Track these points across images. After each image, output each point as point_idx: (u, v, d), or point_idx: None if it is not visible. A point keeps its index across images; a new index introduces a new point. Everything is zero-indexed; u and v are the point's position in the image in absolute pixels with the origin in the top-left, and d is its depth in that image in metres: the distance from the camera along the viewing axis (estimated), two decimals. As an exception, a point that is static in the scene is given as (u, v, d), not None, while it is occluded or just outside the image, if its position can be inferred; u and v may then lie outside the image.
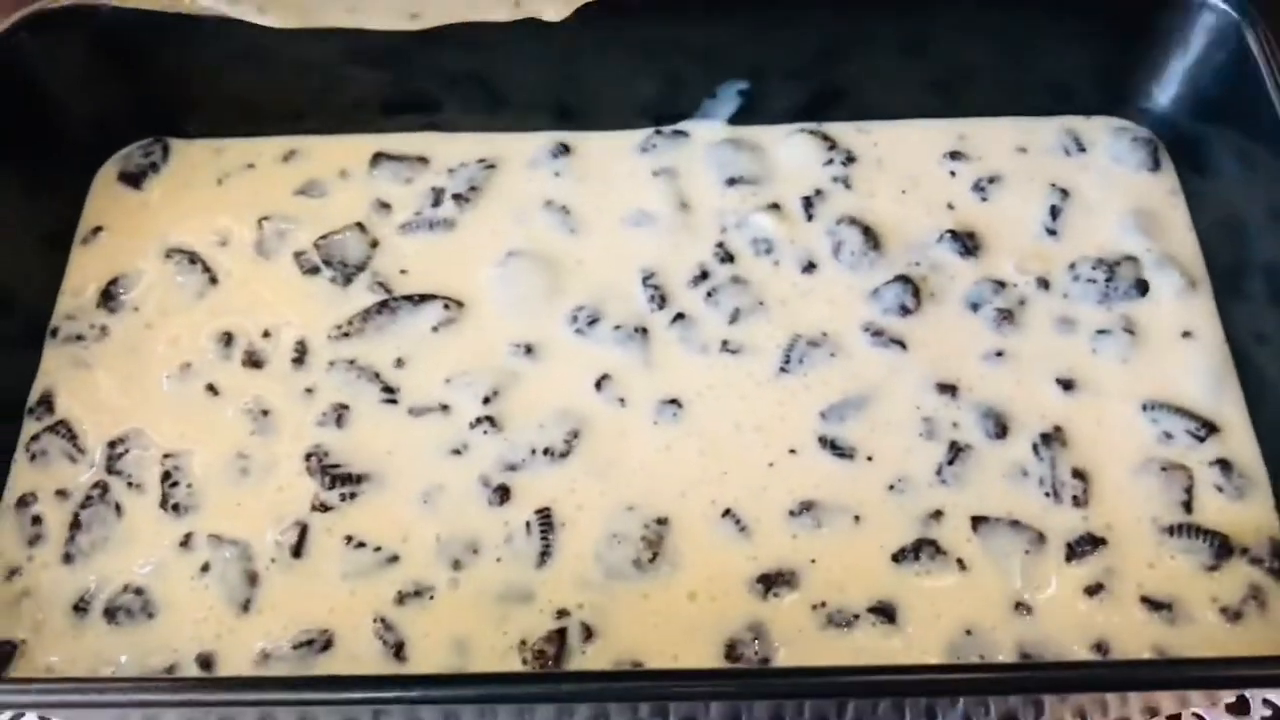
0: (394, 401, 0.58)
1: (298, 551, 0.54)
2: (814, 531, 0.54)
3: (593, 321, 0.60)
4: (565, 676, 0.49)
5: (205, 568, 0.54)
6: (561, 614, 0.52)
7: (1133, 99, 0.67)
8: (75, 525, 0.55)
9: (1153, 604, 0.52)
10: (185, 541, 0.54)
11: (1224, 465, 0.55)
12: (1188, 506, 0.54)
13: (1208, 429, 0.56)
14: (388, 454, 0.56)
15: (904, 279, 0.61)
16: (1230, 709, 0.58)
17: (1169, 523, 0.54)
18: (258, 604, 0.53)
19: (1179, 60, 0.64)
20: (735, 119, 0.67)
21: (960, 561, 0.53)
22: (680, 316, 0.60)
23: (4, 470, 0.57)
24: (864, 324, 0.60)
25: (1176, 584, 0.53)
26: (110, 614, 0.53)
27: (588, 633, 0.52)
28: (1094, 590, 0.52)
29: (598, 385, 0.58)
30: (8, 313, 0.61)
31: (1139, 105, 0.67)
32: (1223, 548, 0.53)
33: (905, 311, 0.60)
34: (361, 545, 0.54)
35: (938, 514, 0.54)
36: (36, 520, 0.55)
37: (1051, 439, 0.56)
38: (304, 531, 0.54)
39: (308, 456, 0.56)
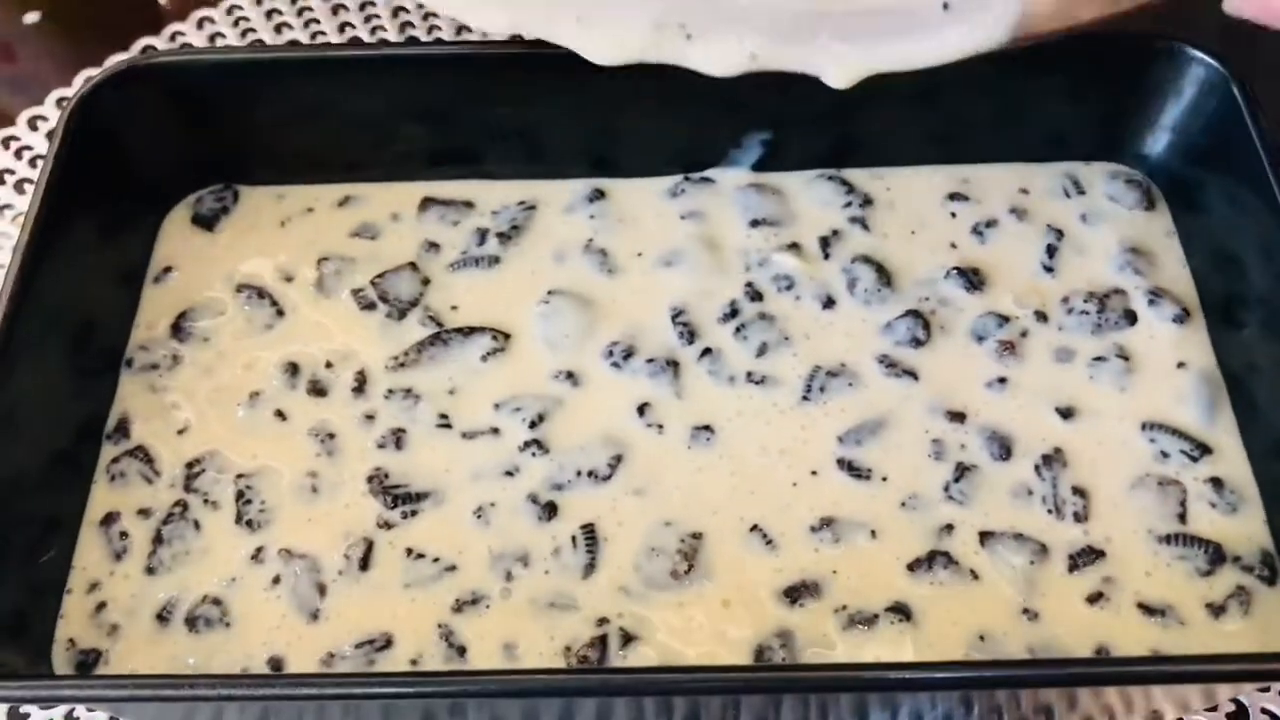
0: (448, 426, 0.63)
1: (365, 565, 0.58)
2: (834, 545, 0.59)
3: (628, 355, 0.65)
4: (607, 671, 0.54)
5: (277, 580, 0.58)
6: (603, 621, 0.57)
7: (1129, 146, 0.71)
8: (158, 540, 0.59)
9: (1150, 609, 0.56)
10: (258, 555, 0.59)
11: (1216, 483, 0.60)
12: (1182, 519, 0.59)
13: (1201, 450, 0.61)
14: (445, 473, 0.61)
15: (914, 313, 0.66)
16: (1230, 717, 0.63)
17: (1164, 533, 0.58)
18: (326, 613, 0.57)
19: (1172, 109, 0.69)
20: (758, 166, 0.72)
21: (972, 572, 0.57)
22: (708, 350, 0.65)
23: (85, 491, 0.61)
24: (878, 355, 0.65)
25: (1172, 590, 0.57)
26: (191, 623, 0.57)
27: (627, 638, 0.56)
28: (1095, 598, 0.57)
29: (639, 412, 0.63)
30: (85, 345, 0.65)
31: (1135, 151, 0.71)
32: (1215, 556, 0.57)
33: (916, 343, 0.65)
34: (421, 556, 0.59)
35: (949, 528, 0.59)
36: (122, 536, 0.60)
37: (1053, 460, 0.61)
38: (369, 546, 0.59)
39: (370, 479, 0.61)
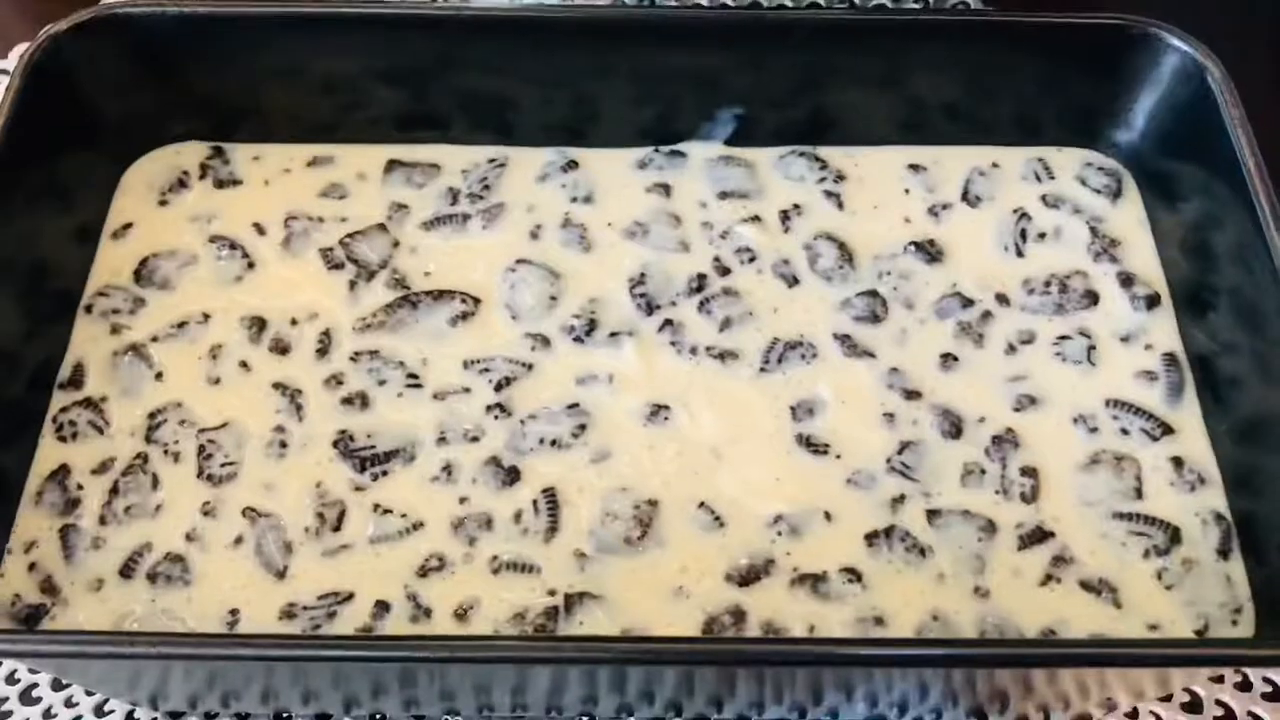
0: (417, 386, 0.62)
1: (338, 526, 0.58)
2: (791, 519, 0.58)
3: (591, 325, 0.64)
4: (563, 640, 0.53)
5: (239, 539, 0.57)
6: (563, 587, 0.56)
7: (1102, 133, 0.71)
8: (114, 492, 0.59)
9: (1100, 588, 0.56)
10: (219, 513, 0.58)
11: (1177, 462, 0.60)
12: (1139, 494, 0.59)
13: (1163, 429, 0.61)
14: (411, 433, 0.61)
15: (873, 292, 0.66)
16: (1185, 708, 0.63)
17: (1119, 510, 0.58)
18: (293, 571, 0.57)
19: (1147, 97, 0.69)
20: (731, 141, 0.72)
21: (922, 550, 0.57)
22: (669, 322, 0.65)
23: (34, 442, 0.61)
24: (836, 331, 0.64)
25: (1126, 569, 0.57)
26: (151, 579, 0.56)
27: (585, 603, 0.56)
28: (1048, 577, 0.57)
29: (596, 380, 0.62)
30: (39, 293, 0.64)
31: (1108, 139, 0.71)
32: (1172, 536, 0.57)
33: (875, 319, 0.65)
34: (388, 513, 0.58)
35: (900, 501, 0.59)
36: (73, 488, 0.59)
37: (1003, 440, 0.61)
38: (343, 511, 0.58)
39: (335, 442, 0.60)
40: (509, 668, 0.51)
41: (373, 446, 0.60)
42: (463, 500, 0.59)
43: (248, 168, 0.71)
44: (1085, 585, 0.57)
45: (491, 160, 0.71)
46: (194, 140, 0.72)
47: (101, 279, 0.66)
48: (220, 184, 0.70)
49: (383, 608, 0.56)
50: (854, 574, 0.57)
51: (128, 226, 0.68)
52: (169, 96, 0.70)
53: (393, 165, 0.71)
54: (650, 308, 0.65)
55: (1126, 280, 0.66)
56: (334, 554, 0.57)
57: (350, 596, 0.56)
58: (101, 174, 0.70)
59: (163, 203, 0.69)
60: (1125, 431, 0.61)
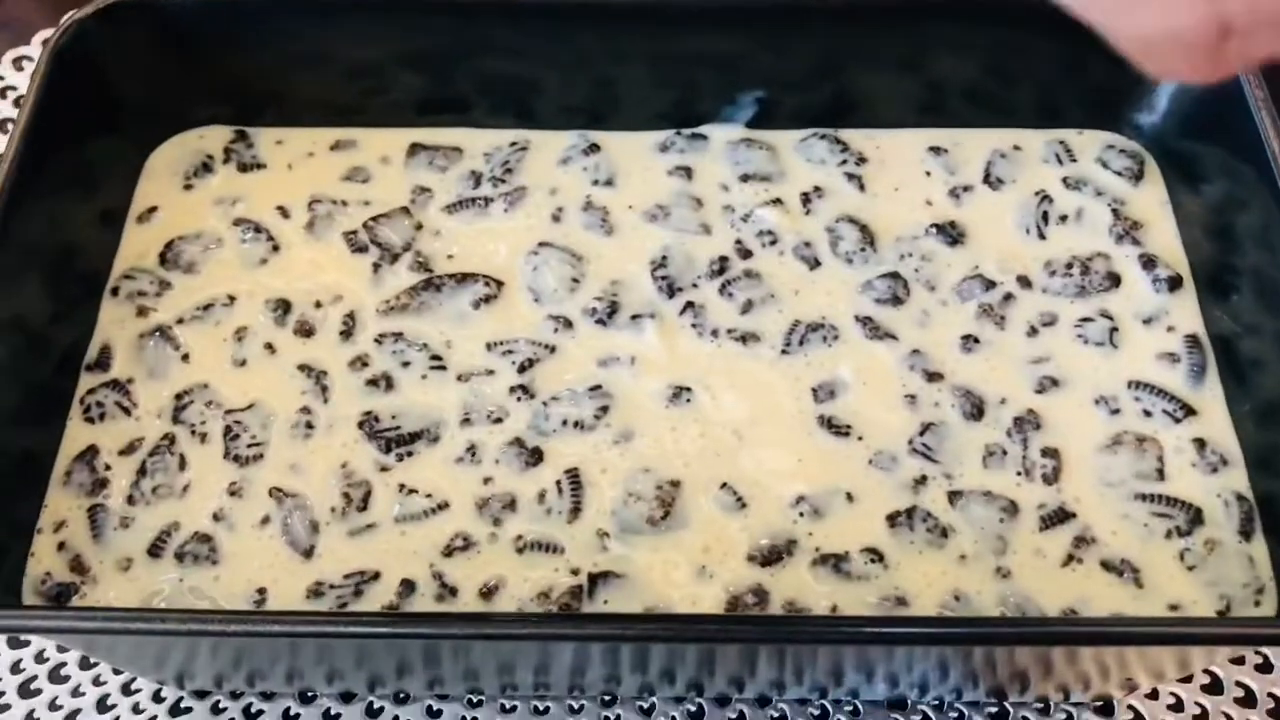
0: (441, 368, 0.63)
1: (364, 506, 0.58)
2: (813, 500, 0.59)
3: (613, 307, 0.65)
4: (586, 618, 0.54)
5: (267, 519, 0.58)
6: (587, 567, 0.57)
7: (1123, 115, 0.71)
8: (141, 473, 0.59)
9: (1121, 568, 0.56)
10: (246, 493, 0.59)
11: (1199, 443, 0.60)
12: (1161, 476, 0.59)
13: (1186, 410, 0.61)
14: (434, 417, 0.61)
15: (894, 274, 0.66)
16: (1205, 689, 0.63)
17: (1141, 491, 0.58)
18: (319, 551, 0.57)
19: (1169, 80, 0.69)
20: (753, 124, 0.72)
21: (944, 530, 0.57)
22: (691, 304, 0.65)
23: (62, 424, 0.61)
24: (857, 313, 0.65)
25: (1147, 549, 0.57)
26: (179, 558, 0.57)
27: (609, 582, 0.56)
28: (1070, 558, 0.57)
29: (619, 362, 0.63)
30: (65, 276, 0.64)
31: (1130, 121, 0.71)
32: (1194, 517, 0.58)
33: (897, 301, 0.65)
34: (414, 492, 0.59)
35: (922, 482, 0.59)
36: (101, 469, 0.60)
37: (1025, 421, 0.61)
38: (368, 491, 0.59)
39: (360, 423, 0.61)
40: (532, 645, 0.52)
41: (398, 427, 0.61)
42: (487, 480, 0.59)
43: (271, 151, 0.71)
44: (1107, 566, 0.57)
45: (513, 143, 0.71)
46: (217, 125, 0.72)
47: (127, 262, 0.67)
48: (244, 168, 0.71)
49: (408, 587, 0.56)
50: (876, 554, 0.57)
51: (152, 210, 0.69)
52: (192, 81, 0.71)
53: (415, 149, 0.71)
54: (672, 290, 0.65)
55: (1148, 262, 0.66)
56: (360, 534, 0.58)
57: (376, 576, 0.56)
58: (126, 158, 0.71)
59: (187, 187, 0.70)
60: (1147, 413, 0.61)
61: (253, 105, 0.72)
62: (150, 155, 0.71)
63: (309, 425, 0.61)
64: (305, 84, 0.72)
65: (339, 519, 0.58)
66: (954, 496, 0.59)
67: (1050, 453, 0.60)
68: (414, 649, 0.53)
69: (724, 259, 0.67)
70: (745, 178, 0.70)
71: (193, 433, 0.60)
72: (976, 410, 0.61)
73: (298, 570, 0.57)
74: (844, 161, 0.71)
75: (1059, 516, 0.58)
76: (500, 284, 0.66)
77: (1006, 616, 0.55)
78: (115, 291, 0.66)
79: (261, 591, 0.56)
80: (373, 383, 0.62)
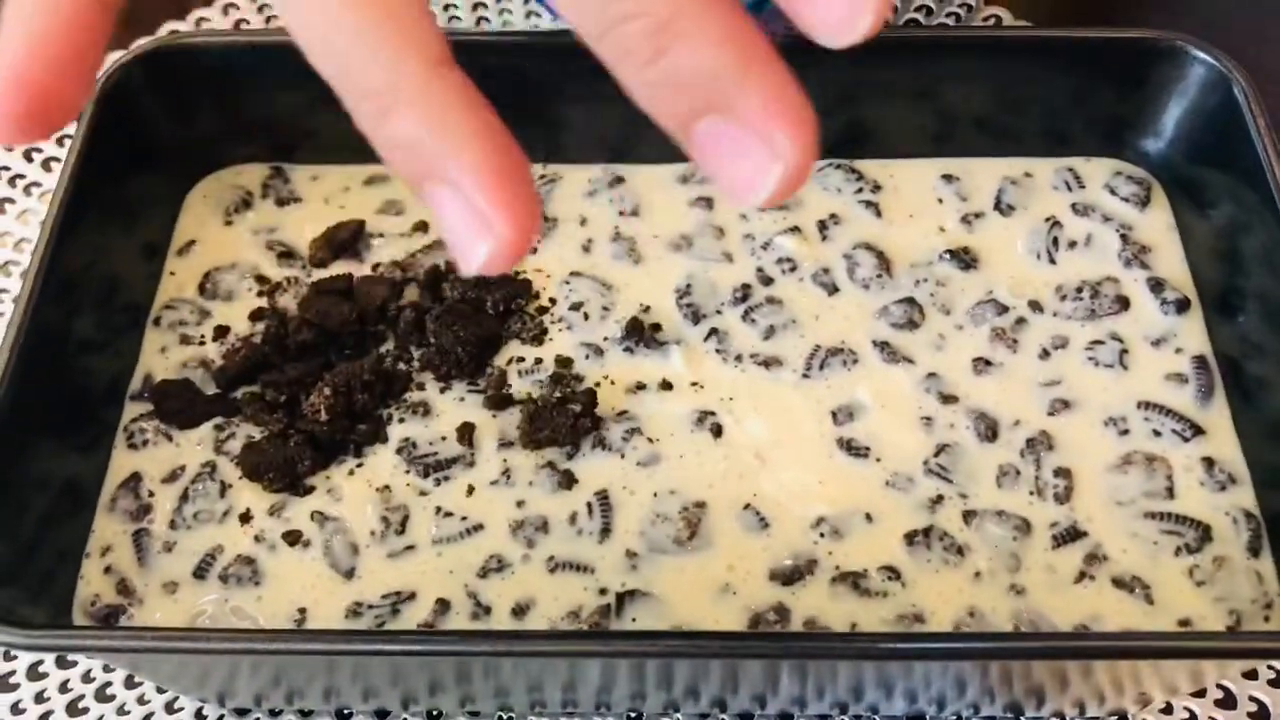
0: (479, 392, 0.65)
1: (402, 530, 0.61)
2: (833, 520, 0.61)
3: (641, 334, 0.67)
4: (614, 635, 0.56)
5: (308, 543, 0.60)
6: (615, 586, 0.59)
7: (1130, 143, 0.73)
8: (184, 499, 0.62)
9: (1132, 585, 0.58)
10: (288, 518, 0.61)
11: (1208, 462, 0.62)
12: (1170, 494, 0.61)
13: (1194, 430, 0.63)
14: (469, 442, 0.64)
15: (910, 300, 0.68)
16: (1219, 704, 0.64)
17: (1151, 510, 0.60)
18: (359, 572, 0.59)
19: (1174, 108, 0.71)
20: (769, 154, 0.74)
21: (960, 549, 0.59)
22: (715, 331, 0.67)
23: (108, 451, 0.64)
24: (875, 337, 0.67)
25: (1158, 566, 0.59)
26: (223, 579, 0.59)
27: (636, 600, 0.58)
28: (1082, 575, 0.59)
29: (646, 388, 0.65)
30: (110, 309, 0.67)
31: (1136, 149, 0.73)
32: (1203, 534, 0.59)
33: (913, 326, 0.67)
34: (450, 515, 0.61)
35: (938, 502, 0.61)
36: (145, 495, 0.62)
37: (1037, 442, 0.63)
38: (406, 515, 0.61)
39: (399, 450, 0.63)
40: (561, 663, 0.54)
41: (435, 454, 0.63)
42: (520, 504, 0.62)
43: (307, 187, 0.74)
44: (1118, 582, 0.59)
45: (542, 177, 0.74)
46: (255, 163, 0.75)
47: (169, 293, 0.69)
48: (281, 202, 0.73)
49: (444, 606, 0.58)
50: (894, 572, 0.59)
51: (191, 243, 0.71)
52: (229, 121, 0.73)
53: (444, 182, 0.74)
54: (696, 317, 0.68)
55: (1156, 285, 0.68)
56: (399, 555, 0.60)
57: (413, 596, 0.59)
58: (166, 195, 0.73)
59: (228, 222, 0.73)
60: (1157, 433, 0.63)
61: (287, 143, 0.75)
62: (190, 191, 0.74)
63: (349, 452, 0.63)
64: (339, 123, 0.74)
65: (378, 541, 0.60)
66: (969, 516, 0.61)
67: (1062, 473, 0.62)
68: (446, 667, 0.56)
69: (746, 286, 0.69)
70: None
71: (233, 461, 0.63)
72: (990, 432, 0.63)
73: (338, 590, 0.59)
74: (860, 190, 0.73)
75: (1071, 535, 0.60)
76: (540, 311, 0.68)
77: (1021, 631, 0.57)
78: (157, 321, 0.68)
79: (302, 611, 0.58)
80: (411, 409, 0.64)
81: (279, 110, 0.74)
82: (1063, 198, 0.72)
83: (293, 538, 0.61)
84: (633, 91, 0.29)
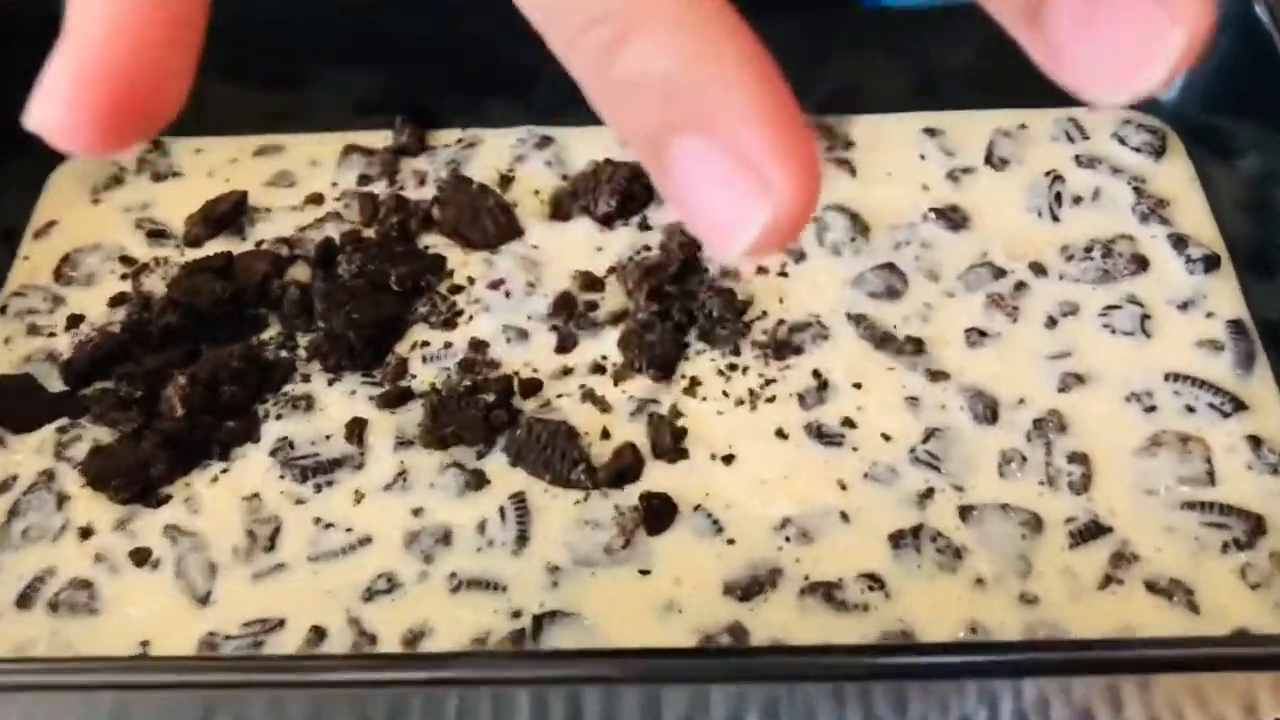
0: (374, 384, 0.55)
1: (271, 545, 0.50)
2: (801, 521, 0.50)
3: (571, 313, 0.57)
4: (524, 656, 0.44)
5: (157, 562, 0.49)
6: (534, 606, 0.48)
7: (1139, 90, 0.63)
8: (13, 513, 0.51)
9: (1171, 590, 0.47)
10: (135, 533, 0.50)
11: (1254, 441, 0.51)
12: (1211, 480, 0.50)
13: (1234, 404, 0.52)
14: (358, 440, 0.53)
15: (890, 266, 0.58)
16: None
17: (1189, 499, 0.49)
18: (216, 596, 0.49)
19: (1190, 50, 0.61)
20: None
21: (957, 551, 0.49)
22: (664, 310, 0.56)
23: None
24: (850, 310, 0.56)
25: (1201, 566, 0.48)
26: (53, 607, 0.48)
27: (556, 621, 0.47)
28: (1107, 579, 0.48)
29: (572, 372, 0.55)
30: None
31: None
32: (1254, 525, 0.48)
33: (894, 295, 0.57)
34: (330, 526, 0.50)
35: (928, 496, 0.50)
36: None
37: (1046, 423, 0.52)
38: (277, 528, 0.50)
39: (273, 451, 0.52)
40: (453, 693, 0.43)
41: (317, 455, 0.52)
42: (417, 512, 0.51)
43: (189, 160, 0.64)
44: (1152, 587, 0.48)
45: (459, 140, 0.64)
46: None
47: (19, 279, 0.59)
48: (158, 177, 0.64)
49: (319, 634, 0.47)
50: (876, 581, 0.48)
51: (52, 224, 0.61)
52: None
53: (350, 151, 0.64)
54: (636, 293, 0.57)
55: (1179, 242, 0.58)
56: (265, 576, 0.49)
57: (281, 623, 0.48)
58: (28, 174, 0.63)
59: (95, 201, 0.63)
60: (1190, 409, 0.52)
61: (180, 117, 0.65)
62: (55, 169, 0.64)
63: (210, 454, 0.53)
64: (227, 89, 0.64)
65: (242, 560, 0.49)
66: (966, 512, 0.50)
67: (1077, 458, 0.51)
68: (309, 701, 0.44)
69: (694, 256, 0.58)
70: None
71: (76, 468, 0.52)
72: (989, 413, 0.53)
73: (190, 619, 0.48)
74: (829, 148, 0.63)
75: (1092, 531, 0.49)
76: (457, 289, 0.58)
77: (1035, 640, 0.46)
78: (3, 310, 0.58)
79: (145, 644, 0.47)
80: (292, 403, 0.54)
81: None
82: (1064, 149, 0.62)
83: (140, 556, 0.50)
84: (595, 100, 0.22)
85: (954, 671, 0.41)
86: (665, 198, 0.23)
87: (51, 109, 0.23)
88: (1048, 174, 0.61)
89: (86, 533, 0.50)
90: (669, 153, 0.21)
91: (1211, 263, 0.57)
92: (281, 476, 0.52)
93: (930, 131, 0.63)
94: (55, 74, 0.23)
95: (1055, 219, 0.60)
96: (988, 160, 0.62)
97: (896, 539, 0.49)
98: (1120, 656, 0.41)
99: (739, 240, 0.22)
